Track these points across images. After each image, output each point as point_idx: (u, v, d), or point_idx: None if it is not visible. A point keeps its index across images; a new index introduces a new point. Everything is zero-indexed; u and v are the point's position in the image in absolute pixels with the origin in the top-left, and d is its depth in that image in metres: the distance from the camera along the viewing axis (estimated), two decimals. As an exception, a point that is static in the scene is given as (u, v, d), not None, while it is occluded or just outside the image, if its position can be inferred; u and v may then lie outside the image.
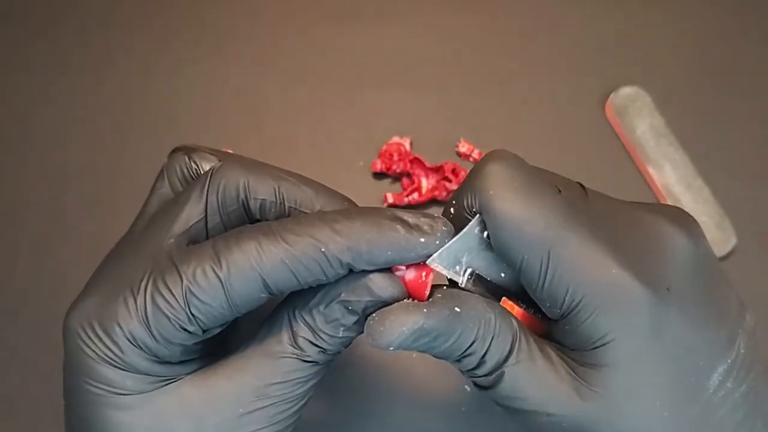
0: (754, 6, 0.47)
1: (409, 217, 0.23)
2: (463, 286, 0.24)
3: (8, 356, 0.39)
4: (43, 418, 0.38)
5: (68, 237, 0.42)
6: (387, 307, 0.22)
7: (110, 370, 0.22)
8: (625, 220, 0.24)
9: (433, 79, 0.46)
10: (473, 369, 0.23)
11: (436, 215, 0.23)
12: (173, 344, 0.22)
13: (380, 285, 0.22)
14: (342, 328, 0.23)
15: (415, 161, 0.42)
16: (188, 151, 0.26)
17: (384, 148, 0.43)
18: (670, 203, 0.41)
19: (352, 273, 0.23)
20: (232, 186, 0.24)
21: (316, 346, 0.24)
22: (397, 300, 0.23)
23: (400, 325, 0.21)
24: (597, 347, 0.22)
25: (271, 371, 0.23)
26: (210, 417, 0.23)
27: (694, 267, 0.23)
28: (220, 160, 0.26)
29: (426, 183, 0.42)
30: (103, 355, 0.22)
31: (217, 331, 0.24)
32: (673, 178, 0.42)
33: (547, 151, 0.44)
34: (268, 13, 0.48)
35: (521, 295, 0.25)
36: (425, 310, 0.22)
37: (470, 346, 0.23)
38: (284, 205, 0.24)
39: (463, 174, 0.41)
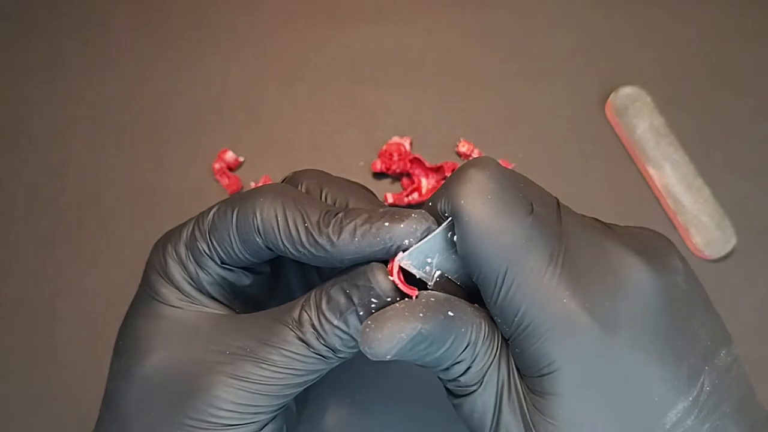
0: (754, 6, 0.47)
1: (386, 210, 0.24)
2: (431, 286, 0.24)
3: (8, 356, 0.39)
4: (44, 417, 0.38)
5: (68, 237, 0.42)
6: (382, 312, 0.23)
7: (157, 277, 0.27)
8: (590, 248, 0.23)
9: (433, 79, 0.46)
10: (460, 376, 0.24)
11: (417, 211, 0.24)
12: (201, 268, 0.27)
13: (375, 269, 0.23)
14: (339, 315, 0.24)
15: (415, 161, 0.42)
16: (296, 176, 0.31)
17: (384, 148, 0.43)
18: (670, 203, 0.41)
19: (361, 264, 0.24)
20: (314, 185, 0.29)
21: (314, 328, 0.24)
22: (386, 291, 0.23)
23: (399, 331, 0.22)
24: (544, 374, 0.22)
25: (266, 333, 0.25)
26: (201, 345, 0.26)
27: (656, 302, 0.23)
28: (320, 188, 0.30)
29: (426, 183, 0.42)
30: (157, 266, 0.28)
31: (245, 280, 0.28)
32: (673, 178, 0.42)
33: (547, 151, 0.44)
34: (268, 13, 0.48)
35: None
36: (421, 314, 0.22)
37: (463, 351, 0.23)
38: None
39: (463, 174, 0.41)
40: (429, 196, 0.41)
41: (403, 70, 0.46)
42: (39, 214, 0.43)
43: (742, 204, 0.42)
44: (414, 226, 0.23)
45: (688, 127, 0.43)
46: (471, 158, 0.25)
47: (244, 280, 0.28)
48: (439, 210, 0.23)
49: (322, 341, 0.24)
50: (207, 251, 0.26)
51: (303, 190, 0.28)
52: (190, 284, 0.27)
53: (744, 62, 0.46)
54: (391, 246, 0.23)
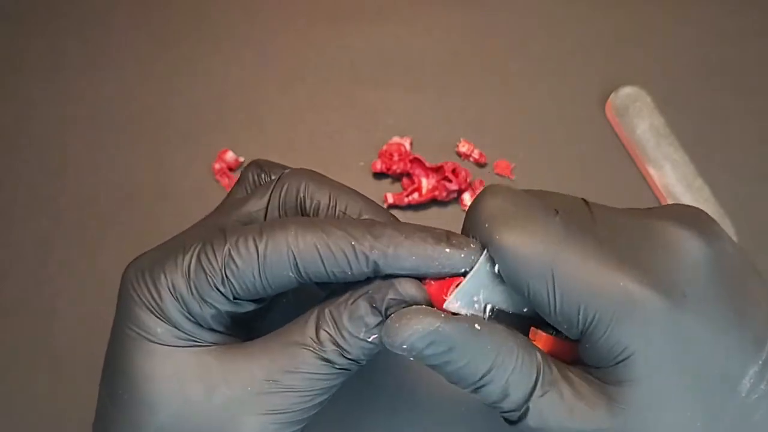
0: (754, 6, 0.47)
1: (442, 232, 0.24)
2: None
3: (7, 356, 0.39)
4: (44, 417, 0.38)
5: (68, 237, 0.42)
6: (406, 308, 0.23)
7: (148, 315, 0.24)
8: (631, 230, 0.23)
9: (433, 79, 0.46)
10: (498, 402, 0.23)
11: (467, 237, 0.24)
12: (206, 303, 0.24)
13: (405, 286, 0.23)
14: (364, 328, 0.24)
15: (415, 161, 0.42)
16: (261, 164, 0.30)
17: (384, 148, 0.43)
18: (670, 203, 0.41)
19: (382, 279, 0.24)
20: (294, 187, 0.27)
21: (336, 344, 0.24)
22: (420, 303, 0.23)
23: (417, 322, 0.22)
24: (619, 362, 0.22)
25: (287, 359, 0.24)
26: (220, 387, 0.24)
27: (710, 268, 0.22)
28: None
29: (426, 183, 0.42)
30: (145, 300, 0.24)
31: (248, 308, 0.25)
32: (673, 178, 0.42)
33: (547, 151, 0.44)
34: (268, 13, 0.48)
35: (547, 322, 0.24)
36: (443, 315, 0.22)
37: (487, 373, 0.22)
38: (336, 209, 0.27)
39: (463, 174, 0.41)
40: (429, 196, 0.41)
41: (403, 70, 0.46)
42: (39, 214, 0.43)
43: (742, 204, 0.42)
44: (472, 258, 0.23)
45: (688, 127, 0.43)
46: (479, 191, 0.25)
47: (249, 308, 0.26)
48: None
49: (347, 356, 0.24)
50: (220, 288, 0.24)
51: (310, 196, 0.27)
52: (190, 320, 0.25)
53: (744, 62, 0.46)
54: (444, 271, 0.23)
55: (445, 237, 0.23)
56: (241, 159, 0.43)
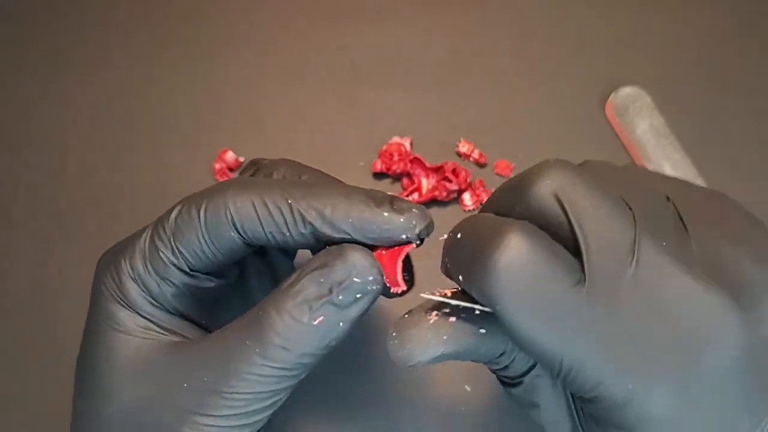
0: (753, 7, 0.47)
1: (386, 195, 0.23)
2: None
3: (7, 356, 0.39)
4: (44, 417, 0.38)
5: (68, 237, 0.42)
6: (404, 326, 0.21)
7: (111, 303, 0.25)
8: (657, 304, 0.20)
9: (433, 79, 0.46)
10: (497, 371, 0.23)
11: (416, 205, 0.23)
12: (163, 280, 0.24)
13: (355, 257, 0.22)
14: (308, 309, 0.22)
15: (415, 161, 0.42)
16: (260, 161, 0.30)
17: (384, 148, 0.43)
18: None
19: (329, 248, 0.23)
20: (270, 173, 0.27)
21: (279, 336, 0.22)
22: (370, 276, 0.22)
23: (418, 355, 0.21)
24: (613, 428, 0.21)
25: (230, 360, 0.23)
26: (171, 388, 0.24)
27: (734, 366, 0.20)
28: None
29: (426, 183, 0.42)
30: (109, 287, 0.25)
31: (208, 283, 0.25)
32: (673, 178, 0.42)
33: (547, 151, 0.43)
34: (267, 13, 0.48)
35: None
36: (445, 337, 0.21)
37: (498, 357, 0.22)
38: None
39: (463, 174, 0.41)
40: (429, 196, 0.41)
41: (403, 70, 0.46)
42: (39, 214, 0.43)
43: (741, 204, 0.42)
44: (413, 222, 0.22)
45: (688, 127, 0.43)
46: (514, 189, 0.22)
47: (210, 287, 0.26)
48: (475, 297, 0.21)
49: (292, 347, 0.22)
50: (173, 260, 0.24)
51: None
52: (152, 303, 0.25)
53: (744, 62, 0.46)
54: (384, 236, 0.22)
55: (388, 200, 0.22)
56: (241, 159, 0.43)
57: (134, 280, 0.24)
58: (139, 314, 0.25)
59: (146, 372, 0.24)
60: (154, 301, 0.25)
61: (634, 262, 0.19)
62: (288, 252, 0.32)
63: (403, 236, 0.22)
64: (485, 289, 0.19)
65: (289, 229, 0.23)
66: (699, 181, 0.42)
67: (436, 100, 0.45)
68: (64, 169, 0.44)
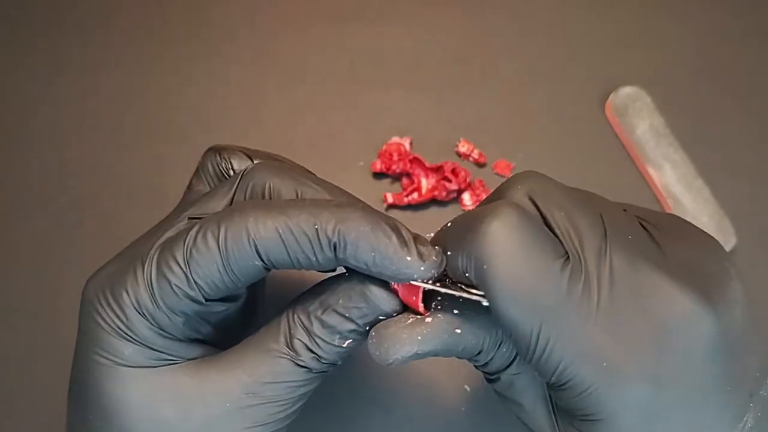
0: (754, 6, 0.47)
1: (410, 235, 0.22)
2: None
3: (8, 356, 0.39)
4: (43, 417, 0.38)
5: (68, 237, 0.42)
6: (383, 326, 0.23)
7: (115, 338, 0.23)
8: (636, 288, 0.21)
9: (433, 79, 0.46)
10: (480, 366, 0.25)
11: (434, 248, 0.23)
12: (175, 313, 0.23)
13: (375, 293, 0.23)
14: (338, 336, 0.23)
15: (415, 161, 0.42)
16: (220, 150, 0.28)
17: (384, 148, 0.43)
18: (670, 203, 0.41)
19: (349, 281, 0.23)
20: (258, 187, 0.25)
21: (311, 351, 0.24)
22: (392, 311, 0.23)
23: (395, 353, 0.22)
24: (586, 419, 0.22)
25: (264, 369, 0.24)
26: (198, 407, 0.23)
27: (709, 351, 0.21)
28: (250, 158, 0.27)
29: (426, 183, 0.42)
30: (110, 322, 0.23)
31: (221, 308, 0.24)
32: (673, 178, 0.42)
33: (547, 151, 0.44)
34: (268, 13, 0.48)
35: None
36: (419, 337, 0.22)
37: (476, 355, 0.24)
38: None
39: (463, 174, 0.41)
40: (429, 196, 0.41)
41: (403, 70, 0.46)
42: (39, 214, 0.43)
43: (742, 204, 0.42)
44: (432, 271, 0.22)
45: (688, 127, 0.43)
46: (491, 201, 0.24)
47: (220, 308, 0.24)
48: (460, 266, 0.22)
49: (324, 361, 0.24)
50: (189, 292, 0.22)
51: (275, 195, 0.25)
52: (161, 334, 0.23)
53: (744, 63, 0.46)
54: (399, 277, 0.22)
55: (412, 242, 0.22)
56: (241, 159, 0.43)
57: (142, 315, 0.23)
58: (150, 348, 0.23)
59: (173, 400, 0.23)
60: (165, 334, 0.23)
61: (608, 251, 0.21)
62: None
63: (416, 278, 0.22)
64: (476, 249, 0.21)
65: (315, 255, 0.22)
66: (699, 181, 0.42)
67: (436, 100, 0.45)
68: (64, 169, 0.44)
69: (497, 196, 0.24)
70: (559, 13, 0.48)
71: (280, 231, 0.22)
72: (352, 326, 0.23)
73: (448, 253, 0.22)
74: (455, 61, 0.46)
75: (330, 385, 0.37)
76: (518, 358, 0.24)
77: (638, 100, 0.43)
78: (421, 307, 0.23)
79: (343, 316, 0.23)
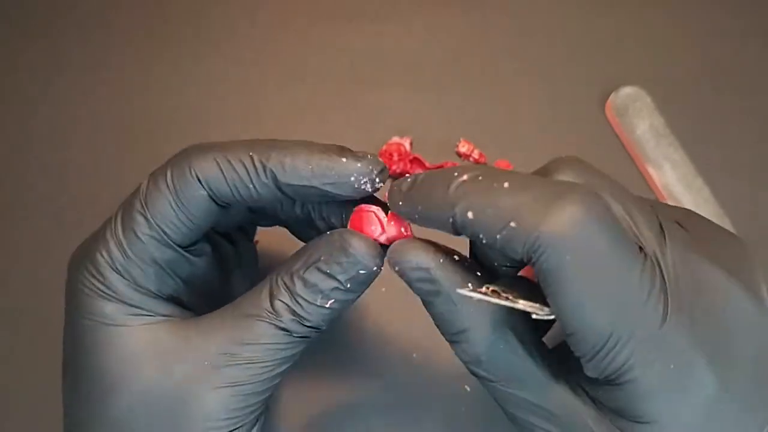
0: (754, 6, 0.47)
1: (344, 147, 0.24)
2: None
3: (8, 356, 0.39)
4: (43, 418, 0.38)
5: (68, 237, 0.42)
6: (411, 240, 0.23)
7: (95, 299, 0.25)
8: (699, 290, 0.20)
9: (433, 79, 0.46)
10: (465, 362, 0.24)
11: (373, 154, 0.24)
12: (145, 262, 0.25)
13: (355, 245, 0.23)
14: (320, 296, 0.24)
15: (415, 161, 0.42)
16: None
17: (384, 148, 0.43)
18: (670, 203, 0.41)
19: (330, 237, 0.24)
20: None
21: (293, 312, 0.24)
22: (374, 265, 0.24)
23: (415, 255, 0.23)
24: (638, 422, 0.20)
25: (243, 331, 0.24)
26: (177, 364, 0.24)
27: (762, 351, 0.21)
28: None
29: (426, 183, 0.42)
30: (89, 285, 0.25)
31: (187, 260, 0.26)
32: (673, 178, 0.42)
33: (547, 151, 0.43)
34: (267, 13, 0.48)
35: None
36: (442, 260, 0.22)
37: (460, 333, 0.23)
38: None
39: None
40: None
41: (402, 70, 0.46)
42: (39, 214, 0.43)
43: (742, 204, 0.42)
44: (370, 167, 0.23)
45: (688, 127, 0.43)
46: (544, 184, 0.21)
47: (187, 263, 0.26)
48: (519, 245, 0.19)
49: (307, 323, 0.24)
50: (149, 233, 0.24)
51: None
52: (138, 290, 0.25)
53: (744, 62, 0.46)
54: (341, 180, 0.23)
55: (348, 150, 0.24)
56: (241, 159, 0.43)
57: (116, 271, 0.24)
58: (128, 304, 0.25)
59: (154, 357, 0.24)
60: (139, 288, 0.25)
61: (668, 248, 0.20)
62: (249, 233, 0.32)
63: (363, 180, 0.23)
64: (555, 235, 0.18)
65: (252, 181, 0.24)
66: (699, 181, 0.42)
67: (436, 100, 0.45)
68: (64, 169, 0.44)
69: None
70: (559, 13, 0.48)
71: (218, 160, 0.24)
72: (335, 284, 0.24)
73: (496, 216, 0.20)
74: (455, 61, 0.46)
75: (330, 384, 0.37)
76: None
77: (638, 100, 0.43)
78: (410, 231, 0.24)
79: (325, 273, 0.23)
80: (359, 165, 0.23)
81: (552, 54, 0.46)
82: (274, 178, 0.23)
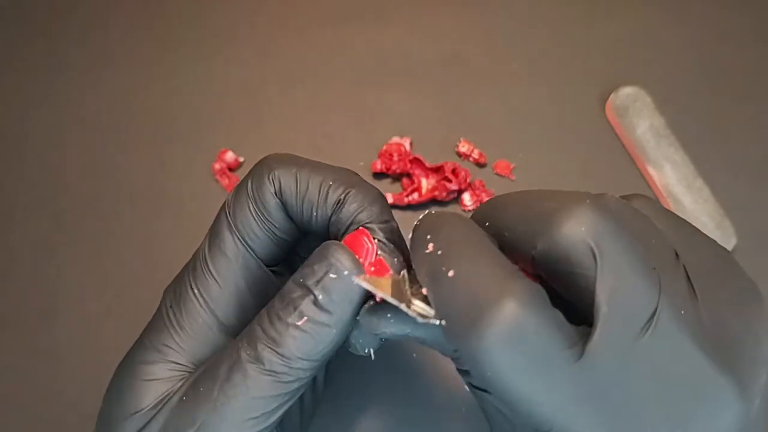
0: (754, 6, 0.47)
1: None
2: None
3: (8, 356, 0.39)
4: (43, 417, 0.38)
5: (68, 237, 0.42)
6: (376, 306, 0.23)
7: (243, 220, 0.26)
8: (661, 387, 0.18)
9: (433, 79, 0.46)
10: (457, 363, 0.23)
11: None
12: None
13: (330, 246, 0.23)
14: (293, 310, 0.22)
15: (415, 161, 0.42)
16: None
17: (384, 148, 0.43)
18: (670, 203, 0.41)
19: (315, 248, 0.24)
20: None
21: (272, 341, 0.23)
22: (344, 269, 0.22)
23: (387, 325, 0.22)
24: None
25: (224, 364, 0.24)
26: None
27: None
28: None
29: (426, 183, 0.42)
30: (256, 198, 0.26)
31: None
32: (673, 178, 0.42)
33: (547, 151, 0.44)
34: (268, 13, 0.48)
35: None
36: (413, 322, 0.21)
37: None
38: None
39: (463, 174, 0.41)
40: (429, 196, 0.41)
41: (403, 70, 0.46)
42: (39, 214, 0.43)
43: (742, 204, 0.42)
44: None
45: (688, 127, 0.43)
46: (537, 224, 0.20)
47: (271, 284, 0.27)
48: (448, 336, 0.19)
49: (282, 359, 0.23)
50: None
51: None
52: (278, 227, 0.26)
53: (744, 63, 0.46)
54: None
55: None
56: (241, 159, 0.43)
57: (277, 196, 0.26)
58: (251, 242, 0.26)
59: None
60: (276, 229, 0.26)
61: (649, 332, 0.18)
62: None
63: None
64: (475, 354, 0.18)
65: (317, 209, 0.25)
66: (699, 182, 0.42)
67: (436, 100, 0.45)
68: (64, 169, 0.44)
69: (549, 222, 0.19)
70: (559, 13, 0.48)
71: (297, 175, 0.25)
72: (304, 292, 0.23)
73: (441, 321, 0.19)
74: (455, 61, 0.46)
75: (330, 384, 0.37)
76: None
77: (638, 100, 0.43)
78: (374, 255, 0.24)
79: (297, 281, 0.23)
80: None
81: (552, 54, 0.46)
82: (333, 210, 0.25)
